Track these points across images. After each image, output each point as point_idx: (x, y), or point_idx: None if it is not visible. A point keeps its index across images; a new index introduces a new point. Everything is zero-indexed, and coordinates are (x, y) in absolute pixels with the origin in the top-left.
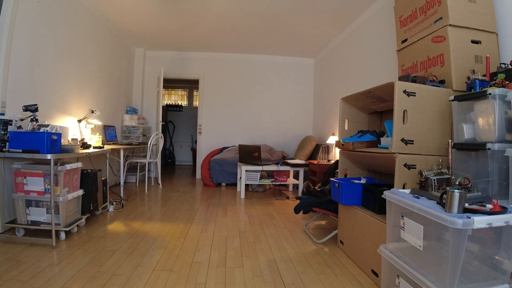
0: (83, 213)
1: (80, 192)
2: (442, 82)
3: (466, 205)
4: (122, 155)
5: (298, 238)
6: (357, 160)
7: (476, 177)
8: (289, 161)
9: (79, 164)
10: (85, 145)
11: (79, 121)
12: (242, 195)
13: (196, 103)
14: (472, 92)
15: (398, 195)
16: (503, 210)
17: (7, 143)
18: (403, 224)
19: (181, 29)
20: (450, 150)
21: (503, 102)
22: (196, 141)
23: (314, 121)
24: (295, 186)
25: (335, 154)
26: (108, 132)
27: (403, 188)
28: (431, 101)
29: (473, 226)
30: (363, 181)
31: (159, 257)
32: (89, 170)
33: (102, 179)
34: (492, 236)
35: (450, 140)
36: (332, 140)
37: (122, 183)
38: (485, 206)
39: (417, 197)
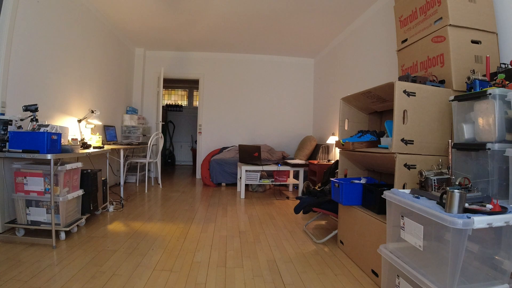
0: (83, 213)
1: (80, 192)
2: (442, 82)
3: (466, 205)
4: (122, 155)
5: (298, 238)
6: (357, 160)
7: (476, 177)
8: (289, 161)
9: (79, 164)
10: (85, 145)
11: (79, 121)
12: (242, 195)
13: (196, 103)
14: (472, 92)
15: (398, 195)
16: (503, 210)
17: (7, 143)
18: (403, 224)
19: (181, 29)
20: (450, 150)
21: (503, 102)
22: (196, 141)
23: (314, 121)
24: (295, 186)
25: (335, 154)
26: (108, 132)
27: (403, 188)
28: (431, 101)
29: (473, 226)
30: (363, 181)
31: (159, 257)
32: (89, 170)
33: (102, 179)
34: (492, 236)
35: (450, 140)
36: (332, 140)
37: (122, 183)
38: (485, 206)
39: (417, 197)
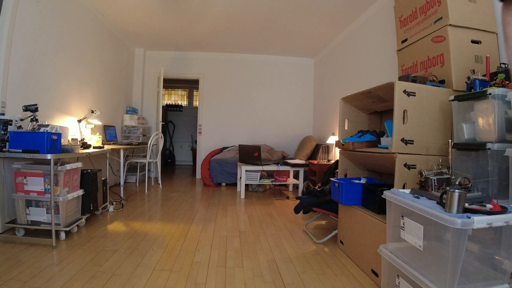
0: (83, 213)
1: (80, 192)
2: (442, 82)
3: (466, 205)
4: (122, 155)
5: (298, 238)
6: (357, 160)
7: (476, 177)
8: (289, 161)
9: (79, 164)
10: (85, 145)
11: (79, 121)
12: (242, 195)
13: (196, 103)
14: (472, 92)
15: (398, 195)
16: (503, 210)
17: (7, 143)
18: (403, 224)
19: (181, 29)
20: (450, 150)
21: (503, 102)
22: (196, 141)
23: (314, 121)
24: (295, 186)
25: (335, 154)
26: (108, 132)
27: (403, 188)
28: (431, 101)
29: (473, 226)
30: (363, 181)
31: (159, 257)
32: (89, 170)
33: (102, 179)
34: (492, 236)
35: (450, 140)
36: (332, 140)
37: (122, 183)
38: (485, 206)
39: (417, 197)
